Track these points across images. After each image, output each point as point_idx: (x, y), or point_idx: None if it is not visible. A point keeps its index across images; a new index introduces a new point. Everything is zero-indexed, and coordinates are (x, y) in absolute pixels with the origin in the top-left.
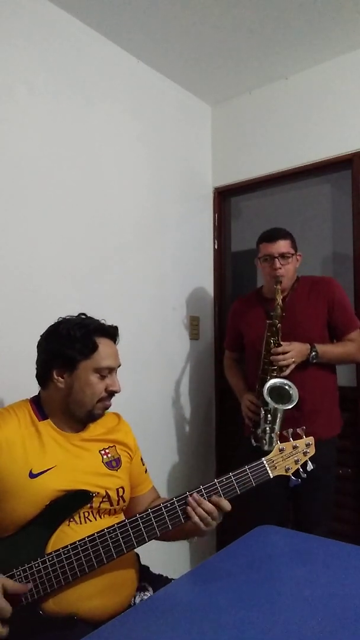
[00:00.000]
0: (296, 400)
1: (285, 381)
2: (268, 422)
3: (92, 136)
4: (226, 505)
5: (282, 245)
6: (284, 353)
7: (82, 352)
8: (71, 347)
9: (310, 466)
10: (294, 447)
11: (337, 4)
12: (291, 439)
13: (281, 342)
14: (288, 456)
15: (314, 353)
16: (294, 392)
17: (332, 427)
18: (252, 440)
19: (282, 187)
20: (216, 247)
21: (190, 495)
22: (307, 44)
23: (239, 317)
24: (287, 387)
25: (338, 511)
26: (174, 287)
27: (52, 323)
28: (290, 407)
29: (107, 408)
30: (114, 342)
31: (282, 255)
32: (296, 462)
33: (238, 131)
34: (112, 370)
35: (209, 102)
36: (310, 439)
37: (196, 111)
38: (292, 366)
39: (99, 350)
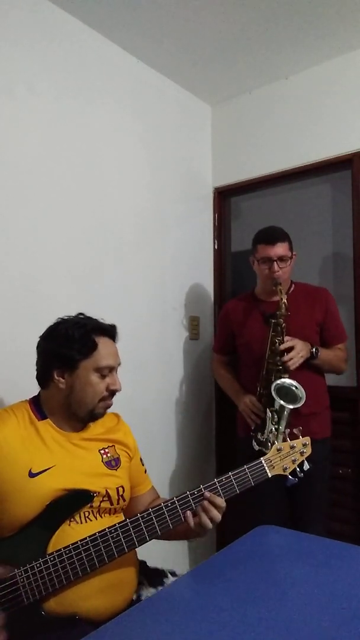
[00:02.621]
0: (304, 398)
1: (293, 381)
2: (275, 422)
3: (92, 136)
4: (220, 502)
5: (281, 249)
6: (288, 350)
7: (81, 351)
8: (70, 347)
9: (306, 465)
10: (292, 447)
11: (337, 4)
12: (288, 439)
13: (285, 339)
14: (286, 456)
15: (314, 349)
16: (300, 391)
17: (325, 428)
18: (255, 444)
19: (282, 187)
20: (216, 247)
21: (200, 502)
22: (307, 44)
23: (233, 319)
24: (294, 387)
25: (338, 511)
26: (174, 287)
27: (51, 324)
28: (299, 405)
29: (108, 407)
30: (114, 340)
31: (281, 258)
32: (293, 461)
33: (238, 131)
34: (112, 369)
35: (209, 102)
36: (307, 439)
37: (196, 111)
38: (301, 360)
39: (99, 350)
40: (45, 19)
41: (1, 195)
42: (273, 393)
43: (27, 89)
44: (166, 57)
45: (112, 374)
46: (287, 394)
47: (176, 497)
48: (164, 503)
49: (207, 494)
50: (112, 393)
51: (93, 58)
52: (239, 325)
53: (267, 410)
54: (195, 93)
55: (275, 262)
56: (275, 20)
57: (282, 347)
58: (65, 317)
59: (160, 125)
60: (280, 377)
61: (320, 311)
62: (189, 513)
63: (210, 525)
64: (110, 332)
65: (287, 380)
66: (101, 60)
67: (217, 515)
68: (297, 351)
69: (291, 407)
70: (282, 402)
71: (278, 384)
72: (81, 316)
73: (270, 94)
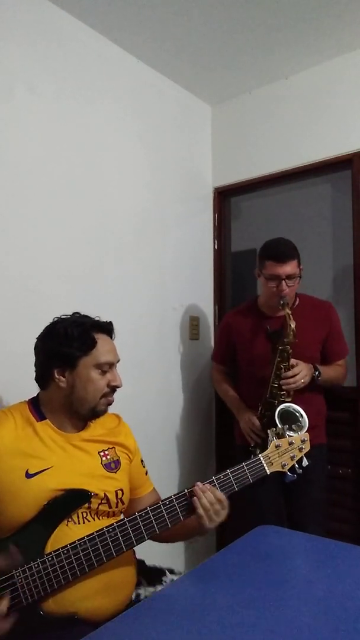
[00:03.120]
0: (306, 428)
1: (298, 408)
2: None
3: (92, 136)
4: (220, 495)
5: (290, 267)
6: (294, 375)
7: (81, 349)
8: (70, 346)
9: (305, 462)
10: (290, 444)
11: (337, 4)
12: (286, 435)
13: (292, 363)
14: (284, 452)
15: (317, 373)
16: (304, 420)
17: (321, 436)
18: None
19: (282, 187)
20: (216, 247)
21: (195, 485)
22: (307, 44)
23: (235, 333)
24: (298, 414)
25: (337, 511)
26: (174, 287)
27: (48, 324)
28: (303, 432)
29: (110, 403)
30: (111, 337)
31: (289, 277)
32: (292, 458)
33: (238, 131)
34: (112, 365)
35: (209, 102)
36: (306, 435)
37: (196, 111)
38: (301, 385)
39: (98, 346)
40: (45, 19)
41: (1, 195)
42: (277, 421)
43: (27, 89)
44: (166, 57)
45: (112, 370)
46: (289, 417)
47: (174, 496)
48: (162, 501)
49: (208, 486)
50: (113, 389)
51: (93, 58)
52: (241, 339)
53: (269, 432)
54: (195, 93)
55: (283, 281)
56: (275, 20)
57: (287, 375)
58: (62, 317)
59: (160, 125)
60: (284, 402)
61: (324, 328)
62: (195, 499)
63: (215, 519)
64: (107, 328)
65: (292, 406)
66: (101, 60)
67: (220, 511)
68: (302, 376)
69: (293, 435)
70: (284, 429)
71: (282, 409)
72: (77, 315)
73: (270, 94)
